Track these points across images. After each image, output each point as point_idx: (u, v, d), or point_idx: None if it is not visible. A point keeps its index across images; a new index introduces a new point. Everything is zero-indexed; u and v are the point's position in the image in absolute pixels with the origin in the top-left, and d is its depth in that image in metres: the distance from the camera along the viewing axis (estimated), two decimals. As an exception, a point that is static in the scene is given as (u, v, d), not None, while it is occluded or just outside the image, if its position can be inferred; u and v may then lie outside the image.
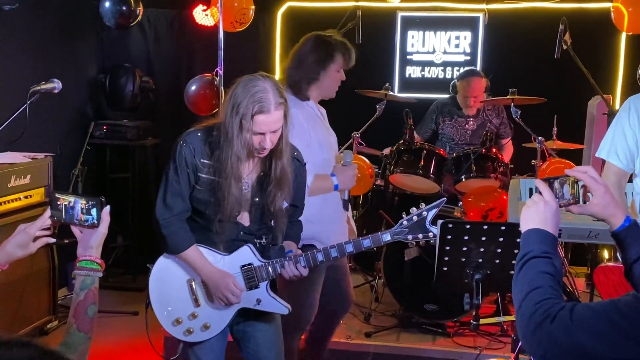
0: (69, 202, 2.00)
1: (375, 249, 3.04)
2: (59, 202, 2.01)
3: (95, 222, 1.98)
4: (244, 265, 2.75)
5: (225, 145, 2.59)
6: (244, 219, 2.75)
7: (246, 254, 2.76)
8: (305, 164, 2.90)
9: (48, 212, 2.04)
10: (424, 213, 2.67)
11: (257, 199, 2.73)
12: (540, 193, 1.85)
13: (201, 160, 2.65)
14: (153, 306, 2.80)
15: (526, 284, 1.67)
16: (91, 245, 1.99)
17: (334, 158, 3.40)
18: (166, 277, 2.80)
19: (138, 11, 5.62)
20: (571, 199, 1.91)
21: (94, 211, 1.98)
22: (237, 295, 2.72)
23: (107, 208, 1.99)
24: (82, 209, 1.99)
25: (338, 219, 3.39)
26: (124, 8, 5.53)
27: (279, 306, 2.83)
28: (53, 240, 2.10)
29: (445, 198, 2.81)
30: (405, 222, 2.70)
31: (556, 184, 1.90)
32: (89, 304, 1.91)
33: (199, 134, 2.68)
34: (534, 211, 1.82)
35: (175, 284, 2.79)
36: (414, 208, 2.73)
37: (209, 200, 2.67)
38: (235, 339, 2.96)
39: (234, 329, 2.93)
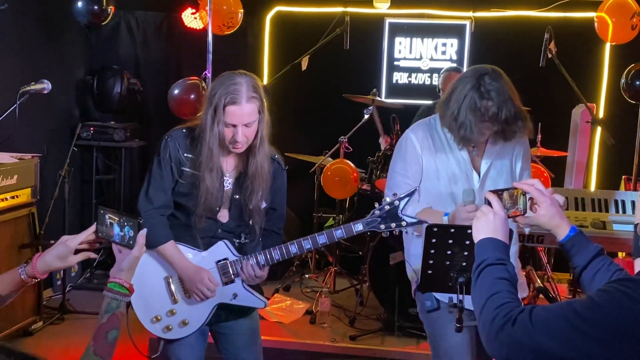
0: (105, 218, 1.97)
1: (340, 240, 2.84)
2: (108, 220, 1.99)
3: (127, 241, 1.94)
4: (219, 261, 2.78)
5: (201, 136, 2.68)
6: (223, 216, 2.80)
7: (221, 250, 2.79)
8: (286, 169, 2.94)
9: (93, 227, 2.02)
10: (396, 202, 2.60)
11: (236, 197, 2.78)
12: (489, 204, 1.93)
13: (184, 154, 2.73)
14: (133, 305, 2.81)
15: (485, 291, 1.73)
16: (122, 267, 1.96)
17: (457, 194, 2.83)
18: (144, 275, 2.79)
19: (109, 10, 5.63)
20: (519, 210, 2.00)
21: (126, 229, 1.95)
22: (212, 290, 2.75)
23: (144, 231, 1.95)
24: (113, 225, 1.97)
25: None
26: (96, 7, 5.56)
27: (256, 300, 2.85)
28: (95, 256, 2.07)
29: (417, 187, 2.69)
30: (377, 212, 2.64)
31: (505, 195, 2.00)
32: (110, 329, 1.88)
33: (184, 130, 2.78)
34: (484, 222, 1.90)
35: (153, 281, 2.81)
36: (386, 198, 2.65)
37: (191, 192, 2.73)
38: (215, 340, 2.99)
39: (214, 331, 2.95)
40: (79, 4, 5.53)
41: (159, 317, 2.79)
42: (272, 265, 2.82)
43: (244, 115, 2.62)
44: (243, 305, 2.86)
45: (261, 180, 2.76)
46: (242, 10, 5.43)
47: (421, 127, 2.92)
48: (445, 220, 2.68)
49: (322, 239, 2.69)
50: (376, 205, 2.66)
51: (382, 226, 2.63)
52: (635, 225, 2.73)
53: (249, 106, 2.62)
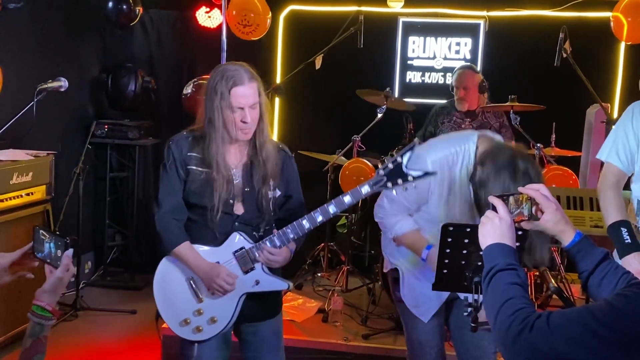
0: (39, 236, 1.91)
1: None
2: (41, 237, 1.94)
3: (54, 261, 1.86)
4: (235, 251, 2.79)
5: (209, 130, 2.72)
6: (238, 209, 2.82)
7: (237, 240, 2.80)
8: (292, 156, 2.96)
9: (28, 246, 1.97)
10: (398, 159, 2.57)
11: (247, 189, 2.80)
12: (494, 209, 1.92)
13: (189, 153, 2.78)
14: (160, 311, 2.84)
15: (498, 297, 1.72)
16: (45, 289, 1.86)
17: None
18: (168, 280, 2.85)
19: (137, 10, 5.77)
20: (524, 214, 1.99)
21: (54, 248, 1.87)
22: (230, 283, 2.76)
23: (70, 252, 1.87)
24: (44, 243, 1.90)
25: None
26: (125, 7, 5.72)
27: (279, 283, 2.85)
28: (31, 275, 2.00)
29: (416, 140, 2.64)
30: (381, 172, 2.61)
31: (510, 200, 1.99)
32: (35, 354, 1.77)
33: (185, 133, 2.85)
34: (490, 227, 1.89)
35: (177, 284, 2.83)
36: (388, 157, 2.62)
37: (202, 190, 2.76)
38: (240, 346, 3.00)
39: (239, 338, 2.97)
40: (110, 3, 5.73)
41: (188, 320, 2.81)
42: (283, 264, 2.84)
43: (250, 95, 2.68)
44: (268, 291, 2.85)
45: (271, 164, 2.79)
46: (267, 14, 5.37)
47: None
48: (424, 254, 2.75)
49: (332, 208, 2.69)
50: (379, 166, 2.64)
51: (389, 184, 2.60)
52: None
53: (253, 85, 2.70)
